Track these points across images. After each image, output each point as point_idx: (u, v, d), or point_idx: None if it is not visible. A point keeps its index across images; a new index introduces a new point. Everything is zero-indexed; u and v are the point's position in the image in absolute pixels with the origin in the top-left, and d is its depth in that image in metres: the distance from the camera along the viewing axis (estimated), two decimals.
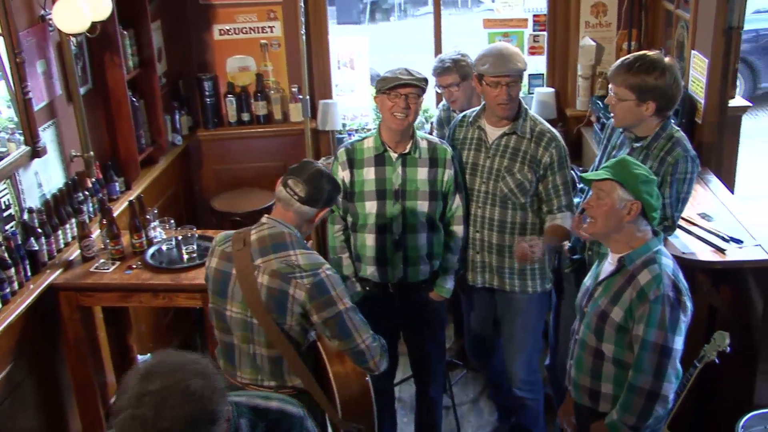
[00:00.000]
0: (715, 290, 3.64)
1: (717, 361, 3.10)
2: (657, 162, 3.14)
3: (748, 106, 4.54)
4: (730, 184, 4.24)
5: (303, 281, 2.62)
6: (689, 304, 2.59)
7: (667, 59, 3.15)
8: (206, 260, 2.86)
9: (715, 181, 4.02)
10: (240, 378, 2.82)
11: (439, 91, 4.25)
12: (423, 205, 3.38)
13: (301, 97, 5.11)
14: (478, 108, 3.50)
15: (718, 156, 4.22)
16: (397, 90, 3.21)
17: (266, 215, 2.79)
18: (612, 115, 3.26)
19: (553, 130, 3.42)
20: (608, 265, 2.72)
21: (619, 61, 3.20)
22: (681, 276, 2.63)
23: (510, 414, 4.04)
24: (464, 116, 3.56)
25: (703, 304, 3.61)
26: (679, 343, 2.56)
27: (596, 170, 3.51)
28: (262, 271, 2.65)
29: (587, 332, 2.73)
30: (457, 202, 3.45)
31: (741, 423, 3.32)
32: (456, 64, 4.00)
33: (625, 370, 2.65)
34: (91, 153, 3.95)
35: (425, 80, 3.28)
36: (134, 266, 3.64)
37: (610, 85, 3.22)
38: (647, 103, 3.12)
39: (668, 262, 2.62)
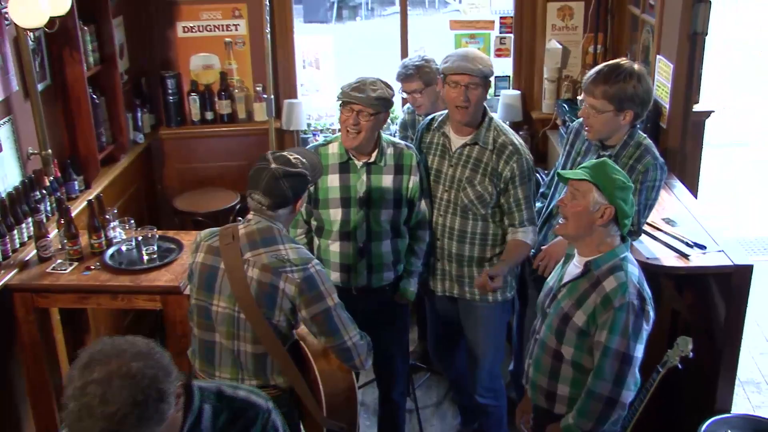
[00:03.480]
0: (677, 295, 3.67)
1: (680, 366, 3.11)
2: (627, 170, 3.11)
3: (712, 111, 4.57)
4: (693, 189, 4.27)
5: (293, 275, 2.61)
6: (652, 313, 2.59)
7: (636, 66, 3.14)
8: (190, 257, 2.84)
9: (679, 186, 4.05)
10: (219, 377, 2.78)
11: (403, 96, 4.21)
12: (387, 213, 3.33)
13: (265, 96, 5.06)
14: (445, 112, 3.45)
15: (683, 160, 4.25)
16: (349, 105, 3.15)
17: (251, 212, 2.76)
18: (586, 128, 3.21)
19: (517, 141, 3.34)
20: (574, 267, 2.71)
21: (593, 73, 3.16)
22: (646, 284, 2.63)
23: (473, 418, 4.01)
24: (432, 119, 3.52)
25: (666, 308, 3.63)
26: (639, 351, 2.56)
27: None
28: (252, 264, 2.64)
29: (548, 333, 2.71)
30: (422, 207, 3.42)
31: (703, 428, 3.34)
32: (419, 70, 3.96)
33: (583, 374, 2.64)
34: (49, 151, 3.85)
35: (381, 99, 3.15)
36: (93, 267, 3.55)
37: (582, 98, 3.19)
38: (625, 113, 3.10)
39: (634, 270, 2.61)
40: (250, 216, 2.75)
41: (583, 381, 2.62)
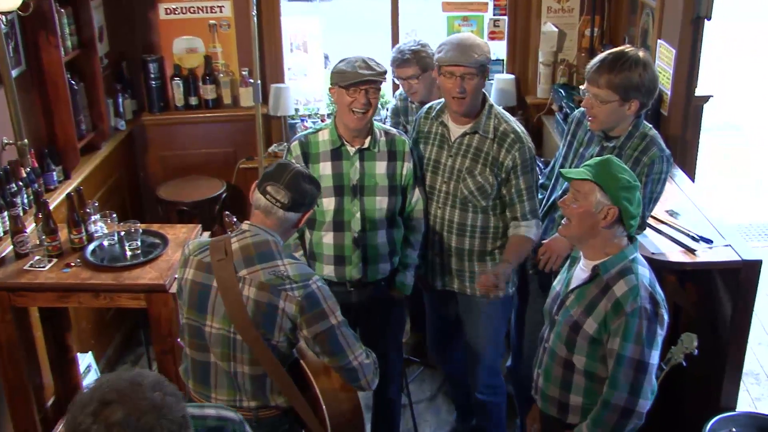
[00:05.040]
0: (681, 289, 3.56)
1: (684, 363, 3.01)
2: (631, 162, 3.01)
3: (710, 96, 4.45)
4: (690, 174, 4.16)
5: (294, 293, 2.44)
6: (666, 316, 2.48)
7: (642, 53, 3.00)
8: (178, 271, 2.64)
9: (680, 175, 3.93)
10: (215, 399, 2.61)
11: (397, 82, 4.06)
12: (382, 201, 3.22)
13: (251, 80, 4.91)
14: (443, 101, 3.30)
15: (683, 148, 4.13)
16: (357, 86, 3.03)
17: (246, 222, 2.58)
18: (590, 118, 3.08)
19: (519, 129, 3.21)
20: (581, 271, 2.58)
21: (596, 62, 3.01)
22: (658, 286, 2.51)
23: (469, 415, 3.91)
24: (430, 107, 3.38)
25: (669, 303, 3.52)
26: (655, 357, 2.45)
27: (559, 165, 3.41)
28: (248, 283, 2.46)
29: (557, 342, 2.59)
30: (416, 195, 3.30)
31: (708, 426, 3.25)
32: (416, 55, 3.81)
33: (597, 383, 2.52)
34: (26, 140, 3.69)
35: (385, 73, 3.09)
36: (73, 264, 3.39)
37: (585, 87, 3.05)
38: (631, 102, 2.97)
39: (645, 272, 2.49)
40: (245, 226, 2.57)
41: (596, 390, 2.51)
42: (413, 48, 3.83)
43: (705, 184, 6.18)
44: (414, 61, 3.81)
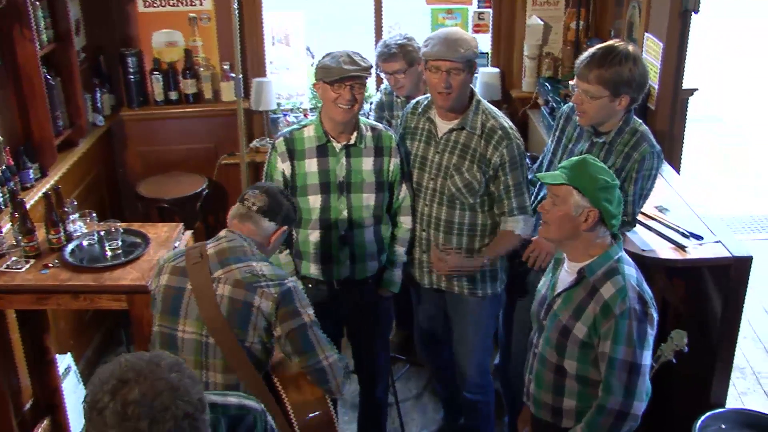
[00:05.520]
0: (669, 285, 3.53)
1: (674, 361, 2.99)
2: (621, 158, 2.97)
3: (695, 90, 4.43)
4: (676, 167, 4.14)
5: (270, 290, 2.47)
6: (655, 315, 2.43)
7: (631, 47, 2.96)
8: (151, 281, 2.66)
9: (668, 170, 3.89)
10: None
11: (383, 77, 3.99)
12: (369, 198, 3.16)
13: (233, 75, 4.84)
14: (430, 96, 3.24)
15: (670, 142, 4.10)
16: (342, 82, 2.96)
17: (224, 229, 2.63)
18: (580, 114, 3.03)
19: (507, 125, 3.14)
20: (566, 274, 2.53)
21: (586, 57, 2.95)
22: (645, 285, 2.46)
23: (457, 413, 3.86)
24: (417, 103, 3.31)
25: (657, 299, 3.49)
26: (647, 358, 2.40)
27: (548, 164, 3.36)
28: (223, 282, 2.47)
29: (547, 348, 2.54)
30: (403, 191, 3.24)
31: (698, 424, 3.22)
32: (402, 49, 3.75)
33: (589, 386, 2.48)
34: (0, 137, 3.59)
35: (371, 67, 3.04)
36: (51, 265, 3.28)
37: (574, 83, 3.00)
38: (621, 97, 2.93)
39: (631, 271, 2.45)
40: (222, 233, 2.60)
41: (589, 393, 2.46)
42: (399, 42, 3.76)
43: (689, 175, 6.19)
44: (400, 56, 3.75)
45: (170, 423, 1.49)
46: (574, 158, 2.50)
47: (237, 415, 1.89)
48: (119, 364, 1.55)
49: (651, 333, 2.41)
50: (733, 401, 4.00)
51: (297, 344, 2.50)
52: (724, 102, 8.94)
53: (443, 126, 3.18)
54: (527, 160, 3.79)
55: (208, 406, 1.58)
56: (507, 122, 3.18)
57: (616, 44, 2.98)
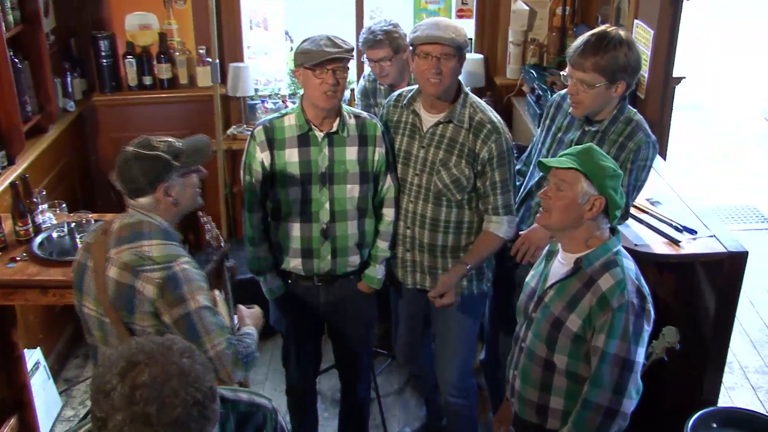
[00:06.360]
0: (660, 279, 3.45)
1: (665, 358, 2.91)
2: (615, 148, 2.88)
3: (683, 78, 4.35)
4: (663, 155, 4.07)
5: (153, 275, 2.34)
6: (652, 311, 2.35)
7: (623, 32, 2.86)
8: None
9: (658, 161, 3.80)
10: None
11: (367, 64, 3.86)
12: (353, 189, 3.04)
13: (209, 59, 4.68)
14: (414, 88, 3.12)
15: (660, 132, 4.00)
16: (324, 66, 2.83)
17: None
18: (574, 105, 2.94)
19: (496, 119, 3.03)
20: (560, 265, 2.44)
21: (579, 45, 2.85)
22: (643, 280, 2.38)
23: (439, 412, 3.75)
24: (400, 95, 3.19)
25: None
26: (641, 355, 2.32)
27: (537, 154, 3.26)
28: (113, 263, 2.39)
29: (536, 341, 2.44)
30: (388, 182, 3.12)
31: (690, 422, 3.15)
32: (388, 35, 3.62)
33: (579, 384, 2.38)
34: None
35: (352, 50, 2.91)
36: (18, 258, 3.17)
37: (568, 73, 2.89)
38: (617, 84, 2.84)
39: (630, 265, 2.37)
40: (129, 209, 2.49)
41: (579, 392, 2.37)
42: (385, 28, 3.63)
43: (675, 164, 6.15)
44: (387, 43, 3.61)
45: (179, 409, 1.45)
46: (579, 146, 2.41)
47: (247, 412, 1.84)
48: (129, 346, 1.51)
49: (647, 329, 2.34)
50: (720, 397, 3.93)
51: (183, 333, 2.36)
52: (705, 89, 8.92)
53: (429, 119, 3.06)
54: (514, 150, 3.69)
55: (218, 397, 1.54)
56: (496, 116, 3.07)
57: (608, 30, 2.89)
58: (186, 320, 2.35)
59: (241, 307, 2.79)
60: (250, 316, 2.75)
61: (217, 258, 2.95)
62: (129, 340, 2.26)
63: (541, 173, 3.15)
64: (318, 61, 2.83)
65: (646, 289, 2.36)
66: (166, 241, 2.41)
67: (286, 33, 5.22)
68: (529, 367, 2.48)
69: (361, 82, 4.09)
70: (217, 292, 2.66)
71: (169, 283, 2.34)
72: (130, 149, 2.41)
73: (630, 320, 2.27)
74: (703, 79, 9.10)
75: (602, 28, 2.94)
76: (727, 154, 7.46)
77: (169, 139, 2.45)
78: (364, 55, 3.79)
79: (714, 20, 11.72)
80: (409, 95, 3.12)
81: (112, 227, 2.44)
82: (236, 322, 2.73)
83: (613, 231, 2.41)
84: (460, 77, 3.03)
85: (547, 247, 2.61)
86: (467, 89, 3.07)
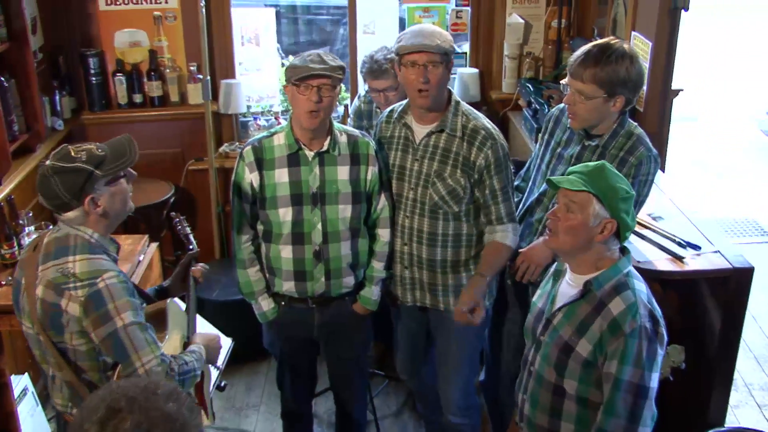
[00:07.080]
0: (664, 297, 3.36)
1: (671, 378, 2.84)
2: (616, 162, 2.81)
3: (680, 90, 4.30)
4: (662, 169, 3.99)
5: (77, 293, 2.26)
6: (666, 335, 2.27)
7: (627, 45, 2.81)
8: None
9: (659, 175, 3.73)
10: (55, 405, 2.51)
11: (372, 95, 3.76)
12: (345, 210, 2.97)
13: (200, 76, 4.64)
14: (405, 102, 3.06)
15: (660, 146, 3.94)
16: (307, 81, 2.77)
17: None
18: (570, 116, 2.88)
19: (490, 126, 2.98)
20: (568, 286, 2.36)
21: (580, 54, 2.80)
22: (655, 302, 2.30)
23: None
24: (391, 110, 3.13)
25: None
26: (655, 380, 2.24)
27: (536, 169, 3.19)
28: (39, 280, 2.31)
29: (545, 366, 2.36)
30: (382, 202, 3.05)
31: None
32: (394, 65, 3.54)
33: (590, 409, 2.31)
34: None
35: (341, 68, 2.84)
36: (4, 282, 3.13)
37: (567, 83, 2.84)
38: (616, 98, 2.77)
39: (642, 287, 2.29)
40: (60, 223, 2.41)
41: (589, 417, 2.30)
42: (390, 57, 3.52)
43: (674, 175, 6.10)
44: (392, 73, 3.49)
45: None
46: (590, 164, 2.34)
47: None
48: (110, 391, 1.45)
49: (661, 353, 2.26)
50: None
51: (110, 352, 2.29)
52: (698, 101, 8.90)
53: (421, 130, 2.99)
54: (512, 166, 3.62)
55: None
56: (489, 123, 3.02)
57: (612, 41, 2.83)
58: (113, 338, 2.26)
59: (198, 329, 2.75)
60: (202, 335, 2.68)
61: (183, 261, 2.86)
62: (59, 359, 2.27)
63: (541, 190, 3.10)
64: (301, 76, 2.77)
65: (658, 312, 2.28)
66: (91, 255, 2.31)
67: (279, 49, 5.16)
68: (539, 392, 2.41)
69: (356, 101, 4.03)
70: (173, 301, 2.64)
71: (93, 301, 2.25)
72: (48, 163, 2.31)
73: (643, 345, 2.19)
74: (697, 90, 9.08)
75: (606, 39, 2.90)
76: (722, 166, 7.42)
77: (90, 146, 2.35)
78: (367, 85, 3.71)
79: (705, 30, 11.72)
80: (400, 109, 3.06)
81: (42, 242, 2.37)
82: (195, 330, 2.69)
83: (623, 251, 2.34)
84: (455, 90, 2.97)
85: (554, 266, 2.54)
86: (457, 98, 3.00)
